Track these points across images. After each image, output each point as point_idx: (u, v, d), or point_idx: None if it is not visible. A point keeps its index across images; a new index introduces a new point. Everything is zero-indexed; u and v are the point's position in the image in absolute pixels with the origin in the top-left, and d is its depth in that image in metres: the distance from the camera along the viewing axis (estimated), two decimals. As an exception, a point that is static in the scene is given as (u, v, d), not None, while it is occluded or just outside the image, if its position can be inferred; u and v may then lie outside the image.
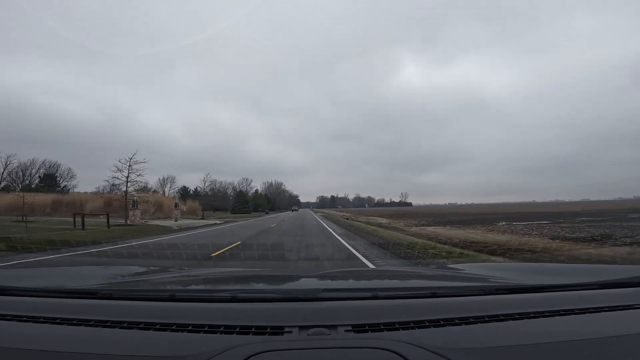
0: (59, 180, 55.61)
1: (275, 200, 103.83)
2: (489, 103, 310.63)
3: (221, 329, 0.94)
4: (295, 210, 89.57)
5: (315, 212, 73.98)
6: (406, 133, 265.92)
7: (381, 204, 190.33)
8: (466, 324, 0.99)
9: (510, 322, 1.01)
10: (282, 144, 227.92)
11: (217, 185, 79.25)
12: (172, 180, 65.97)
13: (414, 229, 18.97)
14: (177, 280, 1.79)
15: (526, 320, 1.03)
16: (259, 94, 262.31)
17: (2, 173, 49.88)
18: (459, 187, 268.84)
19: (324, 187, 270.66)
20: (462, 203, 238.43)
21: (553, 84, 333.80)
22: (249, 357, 0.79)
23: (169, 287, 1.56)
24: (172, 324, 0.97)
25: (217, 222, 29.08)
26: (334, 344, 0.87)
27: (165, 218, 33.35)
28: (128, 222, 24.41)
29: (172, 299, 1.20)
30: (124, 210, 25.55)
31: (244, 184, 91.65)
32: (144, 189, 57.00)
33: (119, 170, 26.45)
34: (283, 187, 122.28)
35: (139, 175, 26.94)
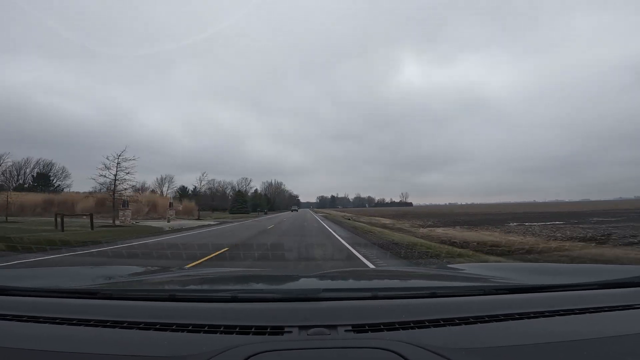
0: (53, 180, 54.62)
1: (274, 200, 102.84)
2: (489, 103, 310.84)
3: (221, 329, 0.93)
4: (295, 210, 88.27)
5: (316, 212, 73.07)
6: (406, 133, 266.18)
7: (381, 204, 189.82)
8: (466, 324, 0.98)
9: (510, 322, 1.01)
10: (282, 144, 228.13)
11: (216, 184, 78.26)
12: (171, 179, 65.13)
13: (422, 230, 17.80)
14: (177, 280, 1.79)
15: (526, 320, 1.02)
16: (259, 94, 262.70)
17: (-4, 172, 48.74)
18: (459, 187, 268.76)
19: (324, 187, 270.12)
20: (462, 203, 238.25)
21: (553, 84, 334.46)
22: (249, 357, 0.79)
23: (169, 287, 1.55)
24: (172, 324, 0.96)
25: (211, 223, 27.86)
26: (334, 344, 0.87)
27: (159, 218, 32.14)
28: (118, 222, 23.13)
29: (172, 299, 1.19)
30: (113, 210, 24.08)
31: (243, 183, 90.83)
32: (142, 189, 55.85)
33: (107, 167, 24.48)
34: (283, 187, 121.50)
35: (128, 173, 24.99)
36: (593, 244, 9.63)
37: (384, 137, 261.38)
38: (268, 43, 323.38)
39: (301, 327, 0.93)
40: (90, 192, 28.39)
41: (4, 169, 48.83)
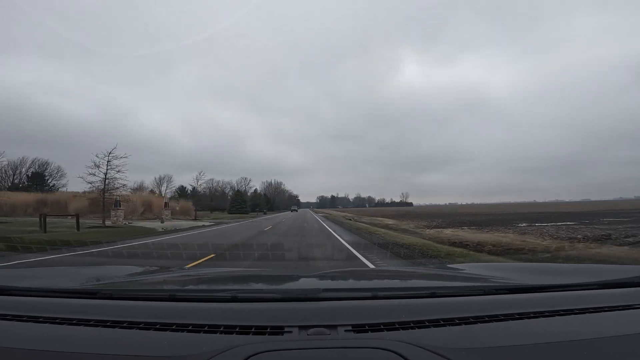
0: (48, 180, 53.51)
1: (274, 200, 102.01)
2: (489, 103, 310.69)
3: (221, 329, 0.93)
4: (295, 210, 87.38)
5: (316, 212, 72.26)
6: (406, 133, 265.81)
7: (382, 204, 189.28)
8: (466, 324, 0.98)
9: (510, 322, 1.00)
10: (282, 143, 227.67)
11: (215, 184, 77.23)
12: (169, 179, 63.82)
13: (429, 231, 16.88)
14: (177, 280, 1.79)
15: (526, 320, 1.02)
16: (258, 93, 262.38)
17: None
18: (459, 187, 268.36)
19: (324, 187, 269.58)
20: (462, 203, 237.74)
21: (553, 84, 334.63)
22: (249, 357, 0.79)
23: (169, 287, 1.55)
24: (172, 324, 0.96)
25: (206, 224, 26.72)
26: (334, 344, 0.86)
27: (154, 218, 31.04)
28: (110, 223, 22.17)
29: (172, 298, 1.18)
30: (105, 210, 23.05)
31: (242, 183, 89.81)
32: (140, 188, 54.82)
33: (97, 166, 23.25)
34: (283, 186, 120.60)
35: (119, 171, 23.80)
36: (626, 247, 8.67)
37: (384, 137, 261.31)
38: (268, 43, 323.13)
39: (301, 327, 0.93)
40: (81, 192, 27.22)
41: (-1, 168, 48.10)
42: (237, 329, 0.92)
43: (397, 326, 0.94)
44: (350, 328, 0.92)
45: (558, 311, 1.06)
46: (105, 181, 23.22)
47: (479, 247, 9.56)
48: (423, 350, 0.81)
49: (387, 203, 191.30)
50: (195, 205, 42.50)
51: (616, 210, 39.18)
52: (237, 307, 1.09)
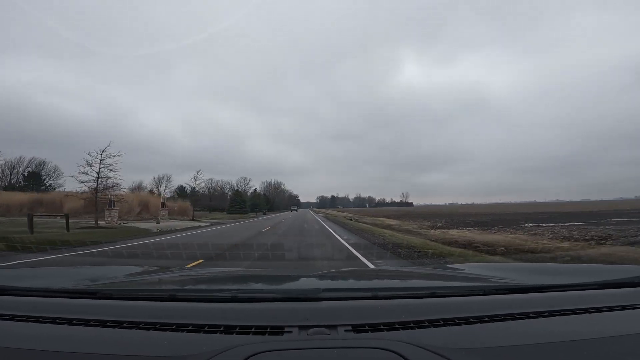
0: (45, 179, 52.85)
1: (274, 200, 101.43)
2: (489, 103, 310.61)
3: (221, 329, 0.93)
4: (295, 210, 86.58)
5: (316, 212, 71.59)
6: (406, 133, 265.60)
7: (382, 204, 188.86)
8: (466, 324, 0.98)
9: (510, 322, 1.00)
10: (282, 143, 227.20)
11: (214, 184, 76.60)
12: (168, 179, 63.09)
13: (434, 232, 16.25)
14: (177, 280, 1.78)
15: (526, 320, 1.02)
16: (258, 93, 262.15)
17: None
18: (459, 187, 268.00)
19: (324, 187, 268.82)
20: (462, 203, 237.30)
21: (553, 84, 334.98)
22: (249, 357, 0.78)
23: (169, 287, 1.55)
24: (172, 324, 0.96)
25: (202, 224, 25.88)
26: (334, 344, 0.86)
27: (150, 219, 30.21)
28: (104, 223, 21.51)
29: (172, 298, 1.18)
30: (98, 210, 22.08)
31: (242, 183, 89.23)
32: (139, 188, 54.09)
33: (89, 164, 21.97)
34: (282, 186, 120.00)
35: (112, 170, 22.54)
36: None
37: (384, 137, 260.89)
38: (268, 43, 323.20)
39: (301, 327, 0.93)
40: (73, 192, 26.40)
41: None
42: (237, 329, 0.92)
43: (397, 326, 0.94)
44: (350, 328, 0.92)
45: (558, 311, 1.06)
46: (98, 180, 22.14)
47: (490, 249, 9.04)
48: (423, 350, 0.81)
49: (388, 203, 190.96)
50: (193, 205, 41.61)
51: (618, 210, 38.80)
52: (237, 307, 1.09)
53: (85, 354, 0.82)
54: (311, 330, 0.90)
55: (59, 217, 18.85)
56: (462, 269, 2.04)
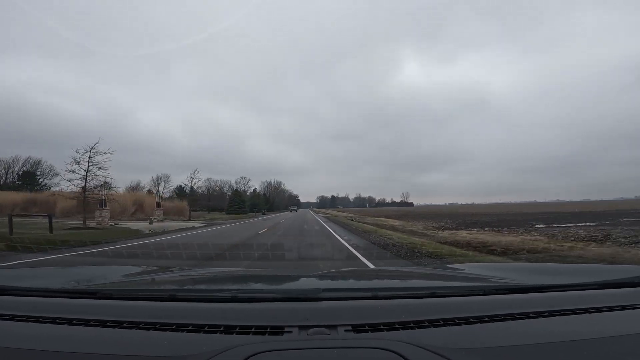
0: (39, 179, 52.02)
1: (274, 200, 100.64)
2: (489, 103, 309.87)
3: (221, 329, 0.93)
4: (295, 210, 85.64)
5: (316, 212, 70.81)
6: (406, 133, 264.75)
7: (382, 204, 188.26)
8: (466, 324, 0.98)
9: (510, 322, 1.00)
10: (282, 143, 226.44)
11: (212, 184, 75.69)
12: (167, 179, 61.95)
13: (442, 233, 15.44)
14: (177, 280, 1.78)
15: (526, 320, 1.01)
16: (258, 93, 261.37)
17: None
18: (459, 187, 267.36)
19: (324, 187, 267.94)
20: (462, 203, 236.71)
21: (553, 84, 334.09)
22: (249, 357, 0.78)
23: (169, 287, 1.55)
24: (172, 324, 0.96)
25: (197, 225, 24.97)
26: (334, 344, 0.86)
27: (145, 219, 29.27)
28: (94, 223, 20.58)
29: (172, 298, 1.18)
30: (87, 210, 21.02)
31: (241, 183, 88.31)
32: (137, 188, 53.09)
33: (77, 162, 20.88)
34: (282, 186, 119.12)
35: (101, 168, 21.42)
36: None
37: (384, 137, 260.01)
38: (268, 43, 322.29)
39: (301, 327, 0.93)
40: (60, 190, 25.45)
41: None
42: (237, 329, 0.92)
43: (397, 326, 0.94)
44: (350, 328, 0.92)
45: (558, 311, 1.06)
46: (86, 179, 21.02)
47: (510, 253, 8.33)
48: (423, 350, 0.81)
49: (388, 203, 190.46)
50: (190, 205, 40.65)
51: (621, 210, 38.19)
52: (237, 307, 1.09)
53: (85, 354, 0.83)
54: (311, 330, 0.91)
55: (42, 217, 17.97)
56: (462, 269, 2.05)
